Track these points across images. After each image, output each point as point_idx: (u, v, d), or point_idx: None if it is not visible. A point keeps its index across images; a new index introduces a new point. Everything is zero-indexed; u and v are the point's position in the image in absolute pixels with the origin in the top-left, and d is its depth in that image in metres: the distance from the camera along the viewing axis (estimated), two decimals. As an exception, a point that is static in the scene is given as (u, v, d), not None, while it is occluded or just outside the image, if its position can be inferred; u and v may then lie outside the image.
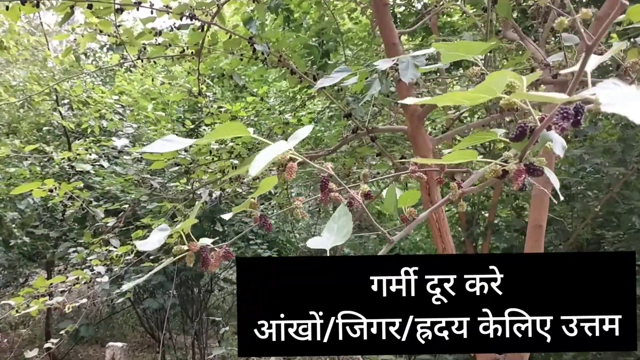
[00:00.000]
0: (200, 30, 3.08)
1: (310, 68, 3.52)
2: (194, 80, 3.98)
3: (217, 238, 6.75)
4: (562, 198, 1.11)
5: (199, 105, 5.72)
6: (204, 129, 5.99)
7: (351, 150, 4.26)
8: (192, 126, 5.99)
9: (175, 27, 3.24)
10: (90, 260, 3.25)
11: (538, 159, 0.97)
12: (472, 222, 4.55)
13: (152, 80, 4.33)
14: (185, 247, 1.14)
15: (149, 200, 3.77)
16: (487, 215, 4.63)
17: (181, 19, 3.03)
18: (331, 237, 1.07)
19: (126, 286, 1.14)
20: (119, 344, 4.30)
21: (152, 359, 8.60)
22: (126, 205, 3.86)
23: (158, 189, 4.03)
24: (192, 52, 3.34)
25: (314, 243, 1.08)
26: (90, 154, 4.12)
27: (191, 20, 3.02)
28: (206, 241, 1.17)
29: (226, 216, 1.25)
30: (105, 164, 5.39)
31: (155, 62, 3.75)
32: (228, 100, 5.74)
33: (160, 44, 3.32)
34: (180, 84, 4.65)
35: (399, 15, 4.74)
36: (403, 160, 3.55)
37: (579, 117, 0.78)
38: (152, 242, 1.08)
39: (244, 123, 5.28)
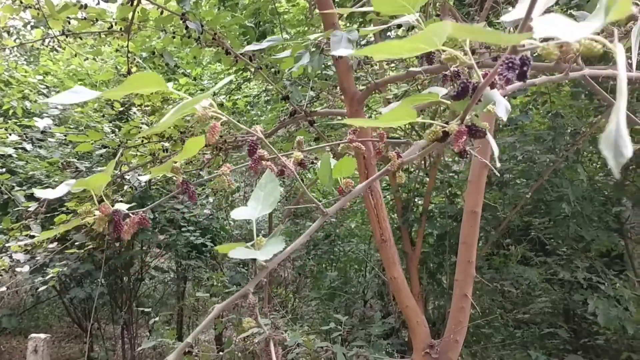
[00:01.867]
0: (129, 4, 2.91)
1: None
2: (124, 61, 3.80)
3: (150, 231, 6.44)
4: (498, 174, 1.06)
5: (129, 86, 5.49)
6: (134, 112, 5.76)
7: (288, 134, 4.17)
8: (122, 108, 5.75)
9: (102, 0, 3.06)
10: (9, 247, 3.04)
11: (481, 123, 0.91)
12: (407, 208, 4.57)
13: (76, 56, 4.10)
14: (95, 210, 1.03)
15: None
16: (421, 202, 4.66)
17: (109, -9, 2.86)
18: (257, 206, 0.96)
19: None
20: (42, 335, 4.08)
21: (79, 349, 8.30)
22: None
23: (84, 172, 3.83)
24: (120, 29, 3.16)
25: (239, 213, 0.98)
26: (10, 134, 3.86)
27: (120, -7, 2.85)
28: (121, 206, 1.07)
29: (143, 178, 1.16)
30: (29, 146, 5.10)
31: (81, 39, 3.54)
32: (160, 81, 5.52)
33: (86, 19, 3.12)
34: (108, 63, 4.43)
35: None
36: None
37: (525, 69, 0.72)
38: (54, 191, 0.99)
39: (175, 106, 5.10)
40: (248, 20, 4.04)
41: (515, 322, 5.66)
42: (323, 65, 3.94)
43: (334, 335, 3.50)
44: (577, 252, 4.68)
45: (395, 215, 4.93)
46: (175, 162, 1.25)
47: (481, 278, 4.26)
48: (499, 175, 3.91)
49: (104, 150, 3.70)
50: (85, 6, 2.99)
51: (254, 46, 2.18)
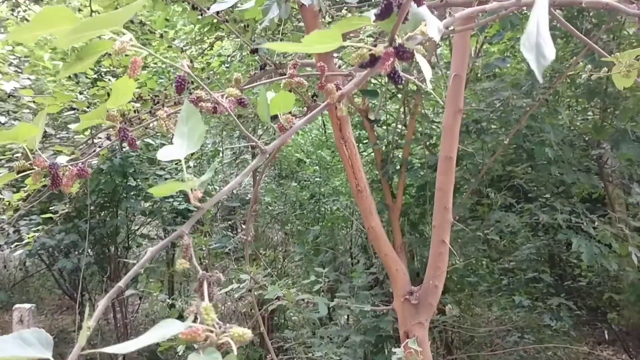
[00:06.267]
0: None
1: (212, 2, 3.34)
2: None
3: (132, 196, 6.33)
4: (429, 88, 1.01)
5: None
6: (110, 80, 5.67)
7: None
8: (95, 76, 5.65)
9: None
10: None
11: (416, 47, 0.88)
12: (387, 160, 4.56)
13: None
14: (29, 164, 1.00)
15: (42, 149, 3.50)
16: (401, 153, 4.65)
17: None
18: (183, 143, 0.87)
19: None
20: (27, 305, 4.08)
21: (72, 320, 8.34)
22: (19, 154, 3.58)
23: (52, 135, 3.76)
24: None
25: (165, 154, 0.87)
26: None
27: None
28: (62, 159, 1.04)
29: (73, 126, 1.13)
30: (3, 119, 5.03)
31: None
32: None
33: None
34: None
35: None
36: (315, 97, 3.46)
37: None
38: None
39: (150, 70, 5.03)
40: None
41: (501, 270, 5.73)
42: (294, 17, 3.87)
43: (316, 288, 3.54)
44: (558, 198, 4.71)
45: (376, 168, 4.92)
46: (108, 110, 1.21)
47: (463, 226, 4.28)
48: (429, 87, 3.89)
49: (72, 112, 3.63)
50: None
51: (217, 5, 2.12)
